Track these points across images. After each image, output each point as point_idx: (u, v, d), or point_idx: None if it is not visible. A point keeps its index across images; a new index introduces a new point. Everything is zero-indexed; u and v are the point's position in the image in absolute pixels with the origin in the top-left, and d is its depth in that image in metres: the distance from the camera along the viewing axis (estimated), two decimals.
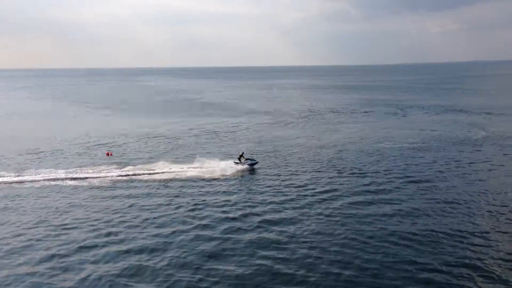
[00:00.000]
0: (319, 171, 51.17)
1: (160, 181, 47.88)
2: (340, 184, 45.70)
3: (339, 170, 51.51)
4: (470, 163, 54.37)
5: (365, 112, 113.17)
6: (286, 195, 42.15)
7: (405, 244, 30.83)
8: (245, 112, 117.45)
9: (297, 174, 50.01)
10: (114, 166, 54.01)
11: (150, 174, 50.52)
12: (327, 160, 56.68)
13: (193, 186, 45.66)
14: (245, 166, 52.89)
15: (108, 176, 49.84)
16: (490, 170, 51.15)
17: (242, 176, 49.71)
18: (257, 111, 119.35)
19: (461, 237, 31.89)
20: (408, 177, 47.97)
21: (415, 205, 38.63)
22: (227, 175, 49.92)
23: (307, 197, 41.40)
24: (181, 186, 45.57)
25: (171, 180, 48.00)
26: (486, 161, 55.24)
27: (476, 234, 32.41)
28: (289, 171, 51.71)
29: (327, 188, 44.18)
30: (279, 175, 49.84)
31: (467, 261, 28.23)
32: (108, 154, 62.13)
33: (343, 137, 74.39)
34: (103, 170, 52.37)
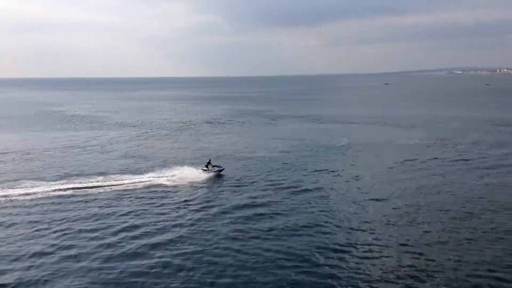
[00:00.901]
0: (192, 186, 50.01)
1: (24, 202, 43.17)
2: (216, 198, 45.16)
3: (218, 183, 51.18)
4: (335, 170, 57.67)
5: (239, 122, 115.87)
6: (164, 214, 40.25)
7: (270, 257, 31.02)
8: (113, 125, 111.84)
9: (175, 192, 47.76)
10: None
11: (6, 195, 44.95)
12: None
13: (63, 209, 41.75)
14: (212, 174, 53.22)
15: None
16: (357, 176, 53.75)
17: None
18: (127, 123, 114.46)
19: (332, 250, 31.78)
20: (286, 188, 48.31)
21: (291, 217, 38.80)
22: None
23: (186, 214, 40.48)
24: (48, 208, 41.40)
25: (34, 201, 43.33)
26: (352, 166, 59.60)
27: (347, 245, 32.74)
28: (167, 187, 49.52)
29: (204, 205, 42.82)
30: (151, 192, 47.55)
31: (341, 274, 28.21)
32: None
33: (218, 148, 74.90)
34: None
